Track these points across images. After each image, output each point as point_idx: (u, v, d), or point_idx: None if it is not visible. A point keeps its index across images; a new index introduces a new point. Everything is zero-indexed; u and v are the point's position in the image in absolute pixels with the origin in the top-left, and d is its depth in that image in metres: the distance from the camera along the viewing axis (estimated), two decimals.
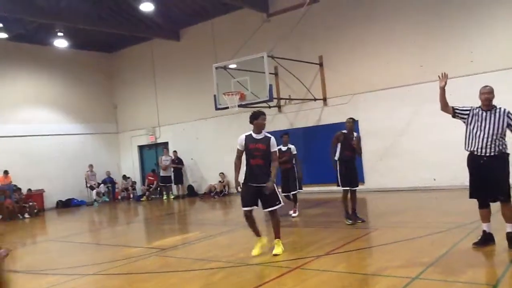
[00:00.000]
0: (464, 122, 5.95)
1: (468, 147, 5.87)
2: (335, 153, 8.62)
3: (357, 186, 8.75)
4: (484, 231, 5.84)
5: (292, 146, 10.17)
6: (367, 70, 13.76)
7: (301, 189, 10.35)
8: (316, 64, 14.56)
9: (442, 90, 6.07)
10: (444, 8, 12.45)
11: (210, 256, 6.82)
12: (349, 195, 8.61)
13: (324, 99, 14.62)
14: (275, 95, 13.83)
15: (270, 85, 12.41)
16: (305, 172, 15.22)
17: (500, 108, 5.72)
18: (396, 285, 4.69)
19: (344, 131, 8.72)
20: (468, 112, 5.89)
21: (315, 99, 14.51)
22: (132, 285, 5.75)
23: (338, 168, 8.57)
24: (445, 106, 6.08)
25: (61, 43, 17.35)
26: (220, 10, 16.43)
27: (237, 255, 6.69)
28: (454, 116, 6.05)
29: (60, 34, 16.80)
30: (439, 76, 6.14)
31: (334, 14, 14.38)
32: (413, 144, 12.92)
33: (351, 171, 8.59)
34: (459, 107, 6.02)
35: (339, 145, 8.63)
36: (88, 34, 17.52)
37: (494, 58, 11.54)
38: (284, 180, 10.14)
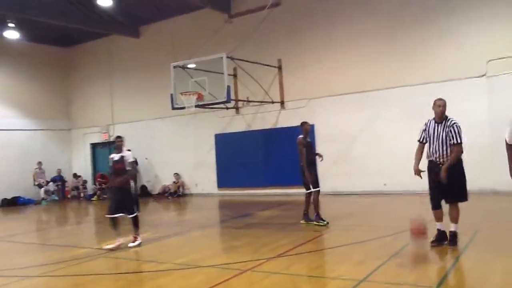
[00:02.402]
0: (425, 134, 6.33)
1: (427, 156, 6.34)
2: (304, 159, 8.66)
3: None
4: (438, 230, 6.25)
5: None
6: (326, 75, 13.98)
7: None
8: (275, 67, 14.66)
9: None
10: (404, 16, 12.81)
11: (161, 258, 6.69)
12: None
13: (282, 102, 14.73)
14: (233, 97, 13.82)
15: (228, 86, 12.37)
16: (261, 174, 15.38)
17: (449, 120, 6.11)
18: (344, 287, 4.76)
19: (301, 136, 8.86)
20: (424, 131, 6.31)
21: (272, 102, 14.59)
22: (78, 287, 5.55)
23: (306, 172, 8.63)
24: (419, 155, 6.43)
25: (12, 34, 16.63)
26: (182, 9, 16.24)
27: (189, 256, 6.60)
28: (425, 143, 6.36)
29: (11, 25, 16.09)
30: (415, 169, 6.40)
31: (295, 19, 14.52)
32: (366, 150, 13.23)
33: (316, 173, 8.88)
34: (419, 136, 6.41)
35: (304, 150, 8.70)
36: (44, 27, 16.87)
37: (450, 67, 11.94)
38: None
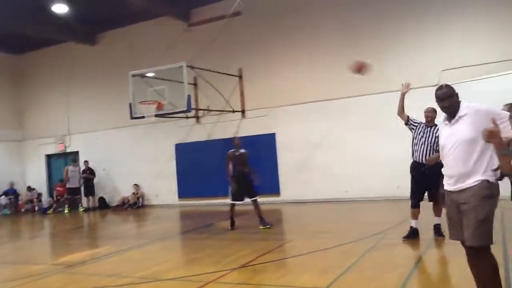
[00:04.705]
0: (412, 132, 6.88)
1: (412, 156, 6.84)
2: (230, 171, 9.48)
3: (255, 197, 9.41)
4: (411, 227, 6.83)
5: None
6: (287, 83, 14.09)
7: None
8: (236, 76, 14.66)
9: (402, 96, 6.89)
10: (364, 27, 13.11)
11: (121, 272, 6.48)
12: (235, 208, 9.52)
13: (243, 111, 14.73)
14: (193, 106, 13.70)
15: (189, 96, 12.27)
16: (221, 184, 15.25)
17: (438, 127, 6.40)
18: None
19: (233, 149, 9.58)
20: (416, 125, 6.85)
21: (233, 111, 14.56)
22: None
23: (232, 184, 9.40)
24: (401, 112, 6.93)
25: None
26: (140, 17, 15.96)
27: (150, 269, 6.42)
28: (406, 124, 6.94)
29: None
30: (402, 84, 6.91)
31: (255, 28, 14.60)
32: (327, 158, 13.40)
33: (245, 185, 9.36)
34: (413, 118, 6.93)
35: (231, 163, 9.49)
36: None
37: (405, 77, 12.11)
38: None
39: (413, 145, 6.84)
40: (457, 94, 3.71)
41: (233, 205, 9.48)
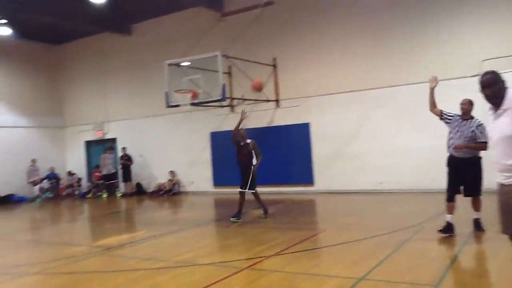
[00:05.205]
0: (447, 125, 6.73)
1: (448, 149, 6.71)
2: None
3: (251, 189, 9.46)
4: (447, 222, 6.64)
5: None
6: (321, 73, 13.99)
7: None
8: (270, 65, 14.66)
9: (432, 91, 6.78)
10: (400, 15, 12.81)
11: (158, 256, 6.69)
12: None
13: (277, 101, 14.74)
14: (228, 95, 13.79)
15: (223, 85, 12.36)
16: (257, 172, 15.36)
17: (475, 120, 6.51)
18: (343, 285, 4.79)
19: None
20: (451, 117, 6.68)
21: (268, 100, 14.59)
22: (75, 285, 5.54)
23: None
24: (433, 107, 6.82)
25: (4, 31, 16.47)
26: (174, 7, 16.16)
27: (185, 255, 6.59)
28: (441, 118, 6.79)
29: (3, 21, 15.93)
30: (429, 78, 6.82)
31: (289, 17, 14.52)
32: (361, 148, 13.26)
33: (244, 175, 9.48)
34: (447, 111, 6.76)
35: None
36: (35, 24, 16.72)
37: (444, 67, 11.90)
38: None
39: (449, 138, 6.69)
40: (503, 82, 3.38)
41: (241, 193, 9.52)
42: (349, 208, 10.91)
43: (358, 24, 13.41)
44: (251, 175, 9.43)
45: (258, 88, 7.68)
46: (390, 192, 12.42)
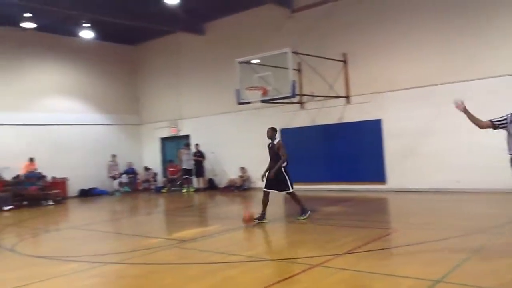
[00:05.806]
0: (506, 130, 6.14)
1: (510, 150, 6.10)
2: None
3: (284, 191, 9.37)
4: None
5: None
6: (391, 68, 13.58)
7: None
8: (340, 61, 14.44)
9: (467, 113, 6.39)
10: (474, 7, 12.17)
11: (230, 250, 6.85)
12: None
13: (347, 97, 14.50)
14: (297, 91, 13.77)
15: (293, 81, 12.35)
16: (325, 170, 15.27)
17: None
18: (418, 287, 4.64)
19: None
20: (505, 121, 6.10)
21: (338, 97, 14.40)
22: (151, 275, 5.82)
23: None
24: (481, 125, 6.39)
25: (87, 34, 17.59)
26: (244, 5, 16.41)
27: (256, 249, 6.72)
28: (495, 129, 6.24)
29: (86, 25, 17.02)
30: (455, 104, 6.48)
31: (358, 12, 14.21)
32: (436, 145, 12.71)
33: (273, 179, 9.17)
34: (496, 119, 6.22)
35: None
36: (113, 26, 17.68)
37: None
38: None
39: (509, 138, 6.10)
40: None
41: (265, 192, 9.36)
42: (424, 208, 10.51)
43: (429, 18, 12.85)
44: (286, 177, 9.23)
45: (248, 220, 8.02)
46: (468, 192, 11.80)
